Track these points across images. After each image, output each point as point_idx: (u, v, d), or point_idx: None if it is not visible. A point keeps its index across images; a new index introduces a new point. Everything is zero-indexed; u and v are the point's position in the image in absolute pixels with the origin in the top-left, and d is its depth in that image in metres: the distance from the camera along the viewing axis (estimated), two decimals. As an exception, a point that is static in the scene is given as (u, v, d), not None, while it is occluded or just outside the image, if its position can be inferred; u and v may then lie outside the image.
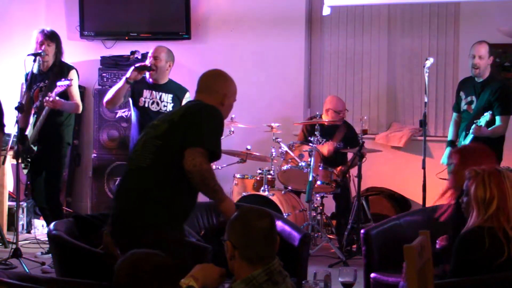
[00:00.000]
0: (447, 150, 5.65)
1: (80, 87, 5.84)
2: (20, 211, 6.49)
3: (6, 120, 5.42)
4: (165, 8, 7.10)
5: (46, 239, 4.77)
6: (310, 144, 5.92)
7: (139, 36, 7.20)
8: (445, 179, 5.70)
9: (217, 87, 3.39)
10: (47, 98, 5.30)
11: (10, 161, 6.18)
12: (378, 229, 4.18)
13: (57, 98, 5.32)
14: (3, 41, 7.09)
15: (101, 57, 7.15)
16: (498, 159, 5.39)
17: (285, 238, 4.09)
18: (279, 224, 4.01)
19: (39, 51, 5.53)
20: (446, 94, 6.78)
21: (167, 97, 5.25)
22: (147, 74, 5.26)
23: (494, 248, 2.97)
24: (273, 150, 6.20)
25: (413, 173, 6.13)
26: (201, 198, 6.25)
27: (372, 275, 3.95)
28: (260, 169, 6.18)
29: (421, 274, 2.54)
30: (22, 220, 6.68)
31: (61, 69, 5.60)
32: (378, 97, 7.04)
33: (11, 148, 5.64)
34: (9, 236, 6.14)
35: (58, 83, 5.36)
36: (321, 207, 6.24)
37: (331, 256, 5.86)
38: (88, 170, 7.18)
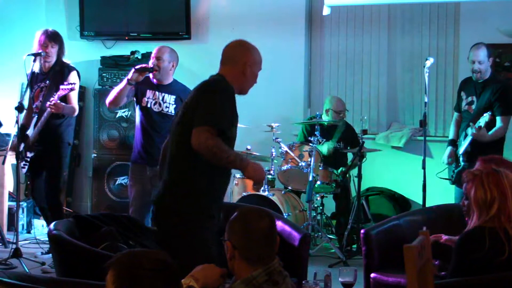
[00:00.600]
0: (448, 149, 5.66)
1: (80, 87, 5.84)
2: (20, 211, 6.49)
3: (2, 120, 5.42)
4: (165, 8, 7.10)
5: (46, 239, 4.77)
6: (310, 144, 5.93)
7: (139, 36, 7.20)
8: (445, 178, 5.73)
9: (236, 56, 3.44)
10: (49, 102, 5.32)
11: (10, 161, 6.18)
12: (378, 229, 4.18)
13: (59, 101, 5.35)
14: (3, 41, 7.10)
15: (101, 57, 7.15)
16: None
17: (285, 238, 4.09)
18: (279, 224, 4.01)
19: (39, 51, 5.54)
20: (446, 94, 6.78)
21: (170, 98, 5.23)
22: (151, 75, 5.23)
23: (495, 248, 2.97)
24: (273, 150, 6.20)
25: (413, 173, 6.13)
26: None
27: (372, 275, 3.95)
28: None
29: (421, 274, 2.54)
30: (22, 220, 6.68)
31: (61, 70, 5.61)
32: (378, 97, 7.04)
33: (11, 148, 5.64)
34: (9, 236, 6.14)
35: (61, 87, 5.38)
36: (321, 207, 6.24)
37: (331, 256, 5.86)
38: (88, 170, 7.18)
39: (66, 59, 5.74)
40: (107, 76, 7.00)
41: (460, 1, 6.61)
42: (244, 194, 5.99)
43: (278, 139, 6.13)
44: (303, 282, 2.86)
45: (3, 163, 5.90)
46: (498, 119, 5.33)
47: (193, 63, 6.84)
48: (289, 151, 6.06)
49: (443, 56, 6.78)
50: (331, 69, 7.19)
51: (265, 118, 6.60)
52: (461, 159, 5.43)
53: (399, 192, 6.74)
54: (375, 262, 4.05)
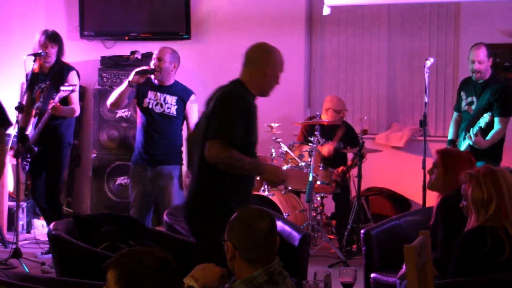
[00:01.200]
0: (447, 149, 5.66)
1: (80, 87, 5.84)
2: (20, 211, 6.49)
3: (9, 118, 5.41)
4: (165, 8, 7.09)
5: (46, 239, 4.77)
6: (310, 144, 5.92)
7: (139, 36, 7.19)
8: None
9: (256, 58, 3.49)
10: (50, 105, 5.33)
11: (10, 161, 6.17)
12: (378, 229, 4.18)
13: (58, 104, 5.36)
14: (3, 41, 7.09)
15: (101, 57, 7.15)
16: (497, 159, 5.41)
17: (285, 238, 4.09)
18: (279, 224, 4.01)
19: (39, 51, 5.54)
20: (446, 94, 6.78)
21: (172, 99, 5.23)
22: (152, 76, 5.22)
23: (496, 248, 2.97)
24: (273, 150, 6.20)
25: (413, 173, 6.13)
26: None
27: (372, 275, 3.95)
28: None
29: (421, 274, 2.54)
30: (22, 220, 6.68)
31: (61, 70, 5.61)
32: (378, 97, 7.04)
33: (11, 148, 5.65)
34: (9, 236, 6.14)
35: (62, 88, 5.39)
36: (321, 207, 6.24)
37: (331, 256, 5.86)
38: (88, 170, 7.18)
39: (66, 59, 5.74)
40: (107, 76, 6.99)
41: (460, 1, 6.60)
42: (244, 194, 5.99)
43: (278, 139, 6.13)
44: (303, 282, 2.86)
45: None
46: (496, 120, 5.32)
47: (193, 63, 6.84)
48: (289, 151, 6.06)
49: (443, 56, 6.78)
50: (331, 69, 7.19)
51: (265, 118, 6.59)
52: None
53: (399, 192, 6.74)
54: (375, 262, 4.05)
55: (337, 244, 6.06)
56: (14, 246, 5.29)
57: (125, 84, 5.11)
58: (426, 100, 5.59)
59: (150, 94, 5.22)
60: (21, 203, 6.54)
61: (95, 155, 6.97)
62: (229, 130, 3.27)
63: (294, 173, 5.91)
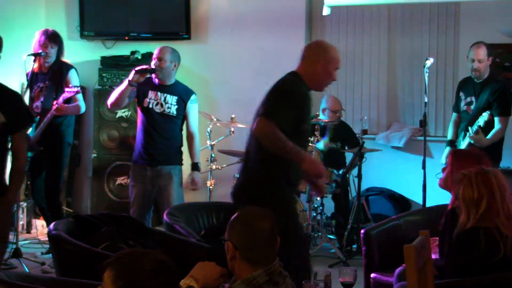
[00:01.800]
0: (446, 149, 5.66)
1: (80, 87, 5.84)
2: (20, 211, 6.49)
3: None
4: (165, 8, 7.09)
5: (46, 239, 4.77)
6: (309, 144, 5.92)
7: (139, 36, 7.19)
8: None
9: (310, 54, 3.73)
10: (54, 106, 5.34)
11: (9, 160, 6.17)
12: (378, 229, 4.18)
13: (62, 104, 5.37)
14: (3, 41, 7.08)
15: (101, 57, 7.15)
16: (497, 159, 5.41)
17: (285, 238, 4.08)
18: (279, 224, 4.01)
19: (39, 51, 5.54)
20: (446, 94, 6.78)
21: (172, 99, 5.22)
22: (153, 75, 5.22)
23: (490, 248, 2.98)
24: (273, 150, 6.19)
25: (413, 173, 6.13)
26: (200, 198, 6.22)
27: (372, 275, 3.95)
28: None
29: (421, 274, 2.54)
30: (22, 220, 6.68)
31: (60, 69, 5.61)
32: (378, 97, 7.04)
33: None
34: (9, 236, 6.13)
35: (66, 89, 5.41)
36: (321, 207, 6.23)
37: (331, 256, 5.86)
38: (88, 170, 7.18)
39: (66, 60, 5.74)
40: (107, 76, 6.99)
41: (460, 1, 6.61)
42: (244, 194, 5.98)
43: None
44: (303, 282, 2.86)
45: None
46: (496, 119, 5.33)
47: (193, 63, 6.83)
48: (289, 151, 6.05)
49: (443, 56, 6.78)
50: (331, 69, 7.18)
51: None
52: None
53: (399, 192, 6.74)
54: (375, 262, 4.05)
55: (337, 244, 6.06)
56: (14, 246, 5.29)
57: (125, 83, 5.11)
58: (426, 100, 5.59)
59: (151, 94, 5.21)
60: (21, 203, 6.54)
61: (95, 155, 6.97)
62: (278, 113, 3.45)
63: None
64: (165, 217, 4.38)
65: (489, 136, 5.28)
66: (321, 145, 6.19)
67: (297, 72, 3.72)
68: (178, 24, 7.08)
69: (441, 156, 5.77)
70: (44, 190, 5.64)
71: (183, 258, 3.65)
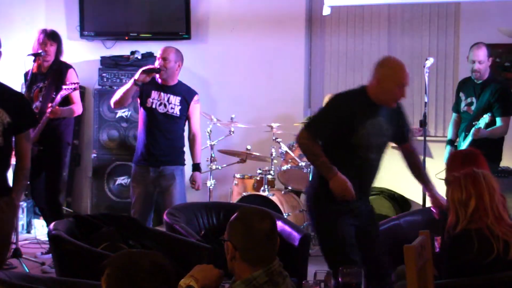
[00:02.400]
0: (447, 149, 5.66)
1: (80, 87, 5.84)
2: (20, 211, 6.49)
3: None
4: (165, 8, 7.09)
5: (46, 239, 4.77)
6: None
7: (139, 36, 7.19)
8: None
9: (376, 70, 3.83)
10: (48, 109, 5.33)
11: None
12: (378, 229, 4.17)
13: (56, 107, 5.35)
14: (3, 40, 7.07)
15: (101, 57, 7.15)
16: (497, 159, 5.41)
17: (285, 238, 4.09)
18: (279, 224, 4.01)
19: (39, 51, 5.54)
20: (446, 94, 6.78)
21: (175, 99, 5.20)
22: (157, 75, 5.21)
23: (484, 248, 2.99)
24: (273, 150, 6.20)
25: (413, 173, 6.12)
26: (200, 198, 6.21)
27: (372, 275, 3.94)
28: (260, 169, 6.17)
29: (421, 274, 2.54)
30: (22, 220, 6.68)
31: (59, 69, 5.61)
32: (378, 97, 7.03)
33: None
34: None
35: (64, 87, 5.39)
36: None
37: (331, 256, 5.84)
38: (88, 170, 7.18)
39: (66, 60, 5.74)
40: (107, 76, 6.99)
41: (460, 1, 6.60)
42: (244, 194, 5.99)
43: (278, 139, 6.13)
44: (303, 282, 2.85)
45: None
46: (498, 120, 5.33)
47: (193, 63, 6.83)
48: (289, 151, 6.06)
49: (443, 56, 6.78)
50: (331, 69, 7.19)
51: (265, 118, 6.60)
52: (460, 159, 5.42)
53: (399, 192, 6.73)
54: (375, 262, 4.04)
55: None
56: (14, 246, 5.29)
57: (130, 82, 5.09)
58: (426, 100, 5.59)
59: (154, 94, 5.19)
60: (21, 203, 6.54)
61: (95, 155, 6.97)
62: (315, 125, 3.73)
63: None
64: (165, 217, 4.38)
65: (488, 129, 5.28)
66: None
67: (365, 87, 3.81)
68: (178, 24, 7.08)
69: (441, 156, 5.76)
70: (44, 190, 5.64)
71: (183, 258, 3.66)
